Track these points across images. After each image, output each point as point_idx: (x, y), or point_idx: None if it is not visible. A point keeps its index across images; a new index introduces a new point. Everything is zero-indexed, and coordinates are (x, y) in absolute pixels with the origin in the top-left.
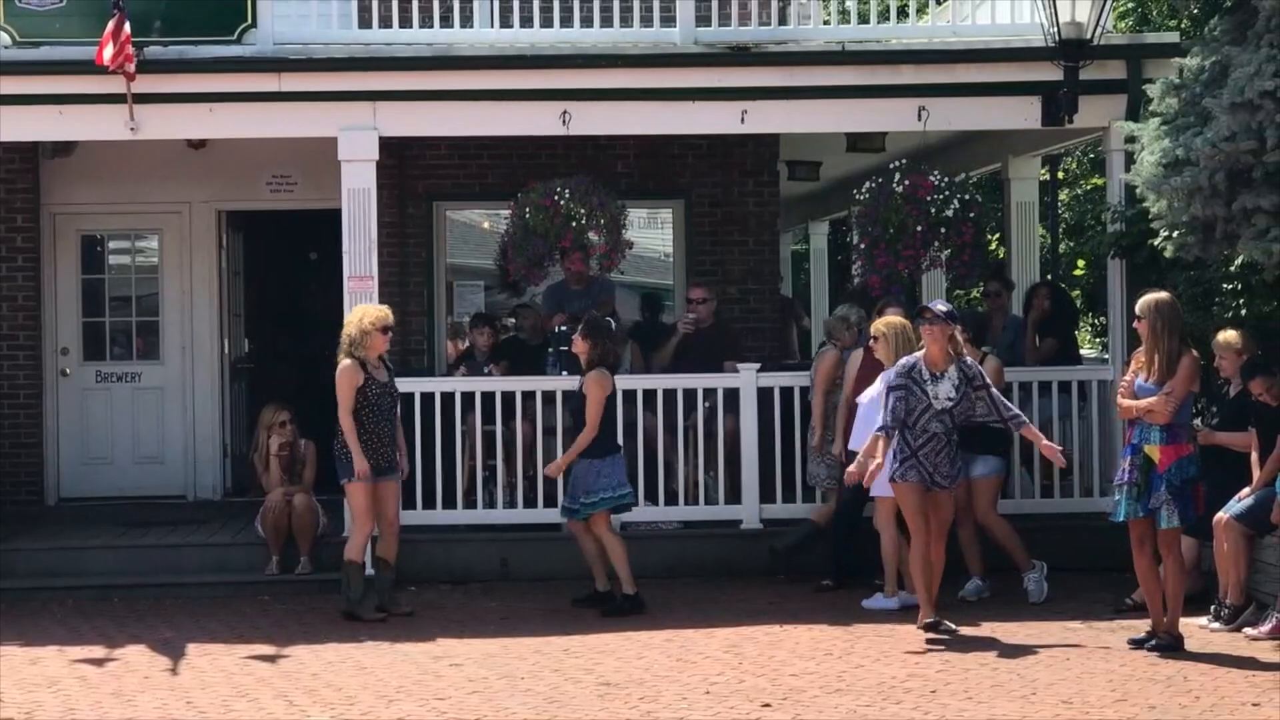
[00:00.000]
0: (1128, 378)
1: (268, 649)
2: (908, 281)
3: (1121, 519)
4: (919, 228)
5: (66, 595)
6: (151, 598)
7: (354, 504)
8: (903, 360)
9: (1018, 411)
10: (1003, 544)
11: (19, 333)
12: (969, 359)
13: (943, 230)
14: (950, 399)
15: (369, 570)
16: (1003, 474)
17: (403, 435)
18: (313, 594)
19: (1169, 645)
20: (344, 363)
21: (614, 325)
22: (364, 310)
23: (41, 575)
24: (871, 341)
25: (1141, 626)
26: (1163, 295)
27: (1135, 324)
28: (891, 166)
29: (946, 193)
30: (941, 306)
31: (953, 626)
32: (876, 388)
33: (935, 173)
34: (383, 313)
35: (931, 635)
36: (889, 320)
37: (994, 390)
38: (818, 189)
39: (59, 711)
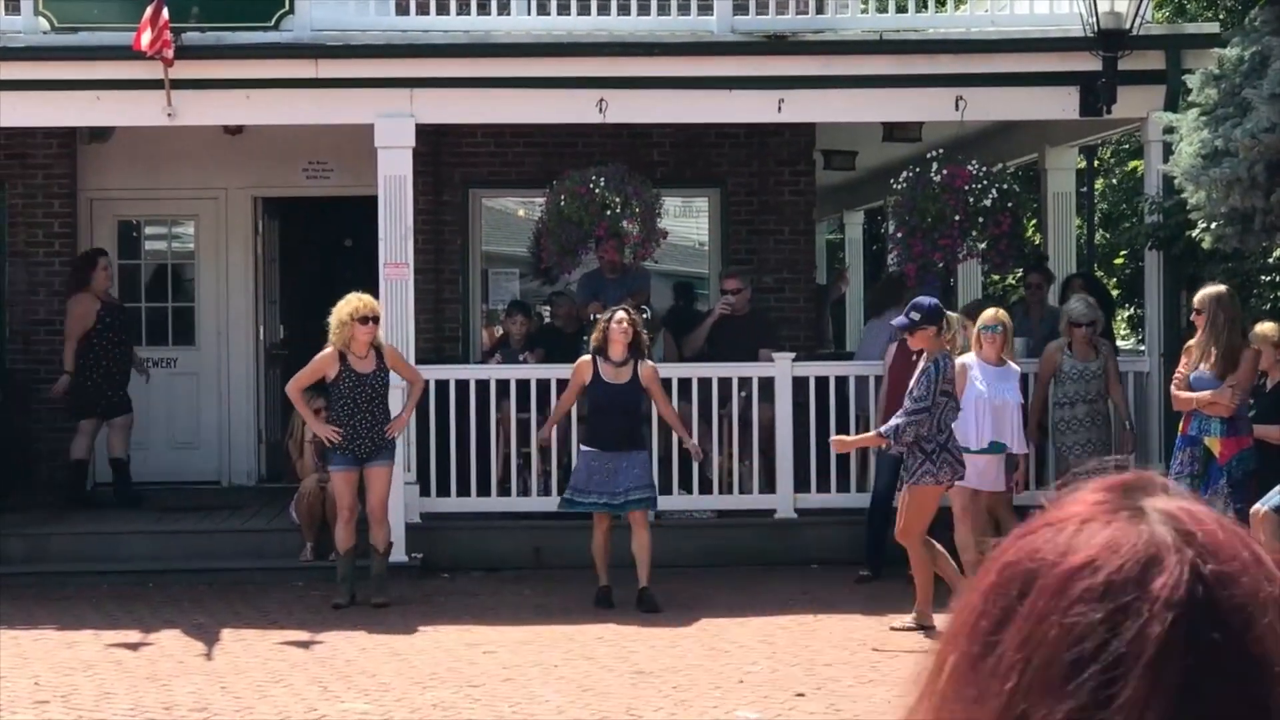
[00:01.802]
0: (1182, 369)
1: (302, 635)
2: (942, 271)
3: None
4: (956, 217)
5: (102, 580)
6: (186, 583)
7: (334, 490)
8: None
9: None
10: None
11: (56, 319)
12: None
13: (980, 220)
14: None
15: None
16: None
17: (403, 420)
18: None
19: None
20: (325, 350)
21: (648, 314)
22: (347, 300)
23: (77, 560)
24: (989, 334)
25: None
26: (1222, 288)
27: (1193, 317)
28: (929, 156)
29: (985, 182)
30: (915, 313)
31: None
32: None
33: (973, 162)
34: (362, 304)
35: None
36: (1003, 313)
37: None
38: (854, 178)
39: (94, 696)
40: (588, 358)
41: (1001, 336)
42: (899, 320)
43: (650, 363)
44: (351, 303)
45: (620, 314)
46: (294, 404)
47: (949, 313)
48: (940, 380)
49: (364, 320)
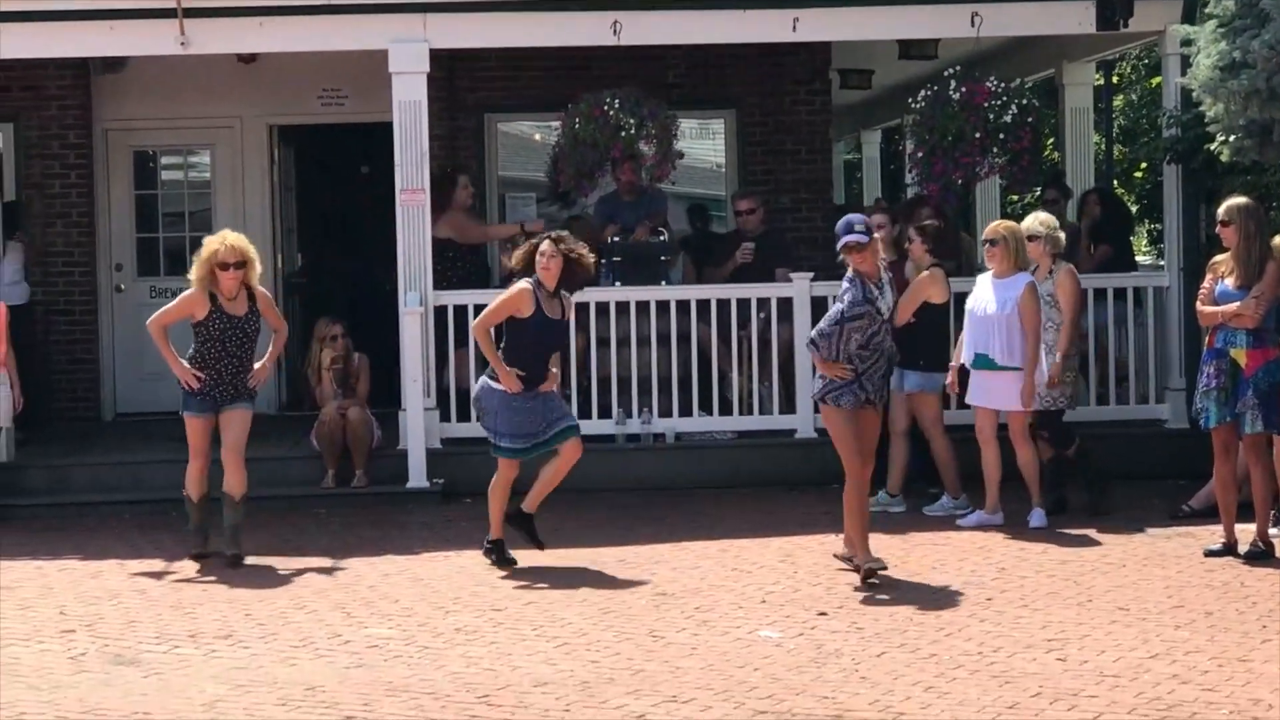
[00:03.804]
0: (1207, 284)
1: (324, 561)
2: (961, 189)
3: (1214, 424)
4: (976, 134)
5: (124, 510)
6: (208, 511)
7: (187, 436)
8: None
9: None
10: (943, 465)
11: (74, 249)
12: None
13: (1000, 136)
14: (889, 307)
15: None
16: (935, 390)
17: (265, 369)
18: (368, 507)
19: (1260, 554)
20: (190, 290)
21: (666, 236)
22: (209, 241)
23: (100, 490)
24: (987, 247)
25: (1200, 534)
26: (1247, 199)
27: (1218, 229)
28: (947, 73)
29: (1004, 99)
30: (860, 227)
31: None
32: (983, 298)
33: (992, 78)
34: (224, 247)
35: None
36: (1008, 224)
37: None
38: (870, 97)
39: (119, 624)
40: (528, 285)
41: (1000, 249)
42: (851, 237)
43: (569, 295)
44: (212, 245)
45: (546, 244)
46: (155, 341)
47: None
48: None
49: (223, 267)
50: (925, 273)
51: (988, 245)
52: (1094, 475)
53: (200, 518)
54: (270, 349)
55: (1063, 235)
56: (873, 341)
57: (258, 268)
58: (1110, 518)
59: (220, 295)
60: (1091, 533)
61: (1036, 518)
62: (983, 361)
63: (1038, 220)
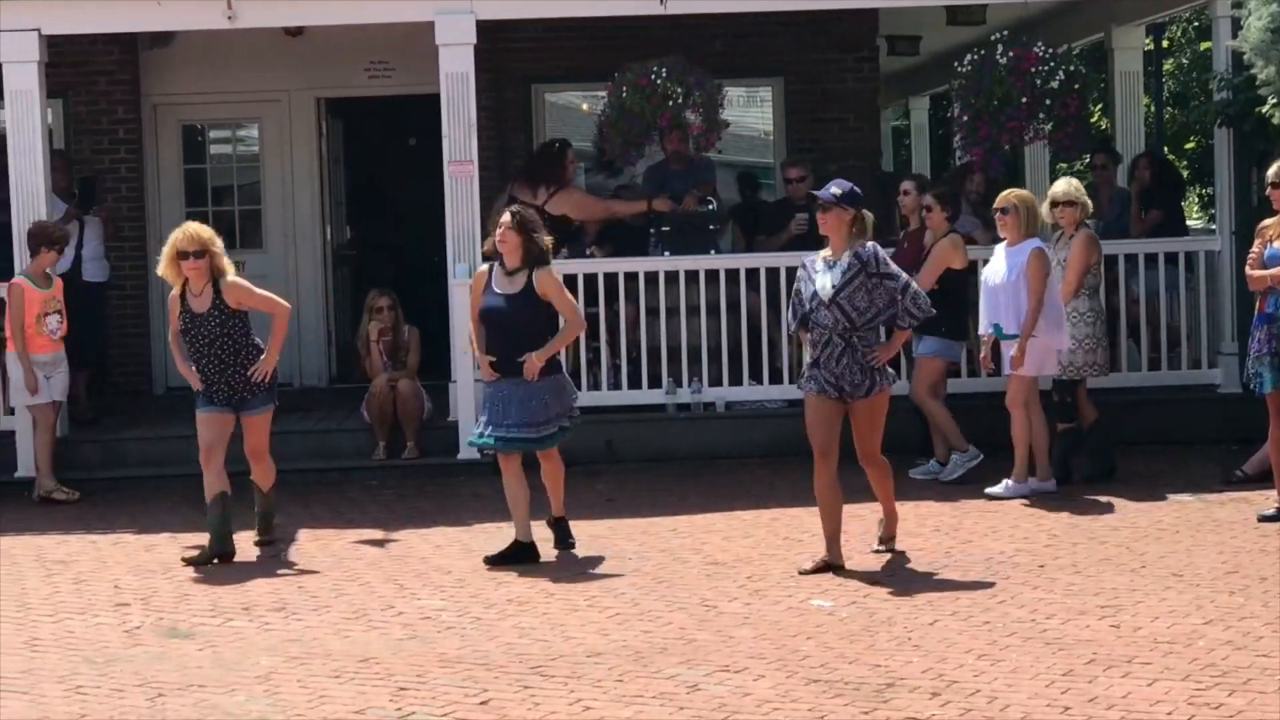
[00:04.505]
0: (1256, 248)
1: (376, 533)
2: (1008, 155)
3: (1268, 390)
4: (1024, 100)
5: (177, 483)
6: (222, 516)
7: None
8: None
9: (914, 310)
10: (940, 427)
11: (123, 224)
12: (868, 244)
13: (1047, 102)
14: (834, 286)
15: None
16: (948, 357)
17: (269, 360)
18: (419, 478)
19: None
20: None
21: (715, 205)
22: (176, 230)
23: (152, 464)
24: (999, 215)
25: (1254, 499)
26: None
27: (1269, 192)
28: (994, 38)
29: (1051, 64)
30: (836, 189)
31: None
32: (996, 267)
33: (1040, 44)
34: (183, 235)
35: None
36: (1019, 192)
37: (904, 278)
38: (917, 64)
39: (173, 597)
40: (484, 268)
41: (1012, 218)
42: (822, 192)
43: (550, 269)
44: (173, 236)
45: (506, 215)
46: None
47: (866, 213)
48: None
49: (183, 255)
50: (944, 239)
51: (999, 214)
52: (1100, 443)
53: (211, 520)
54: (272, 337)
55: (1089, 202)
56: (812, 321)
57: (223, 259)
58: (1165, 483)
59: (189, 292)
60: (1144, 499)
61: (1003, 487)
62: (997, 330)
63: (1071, 185)
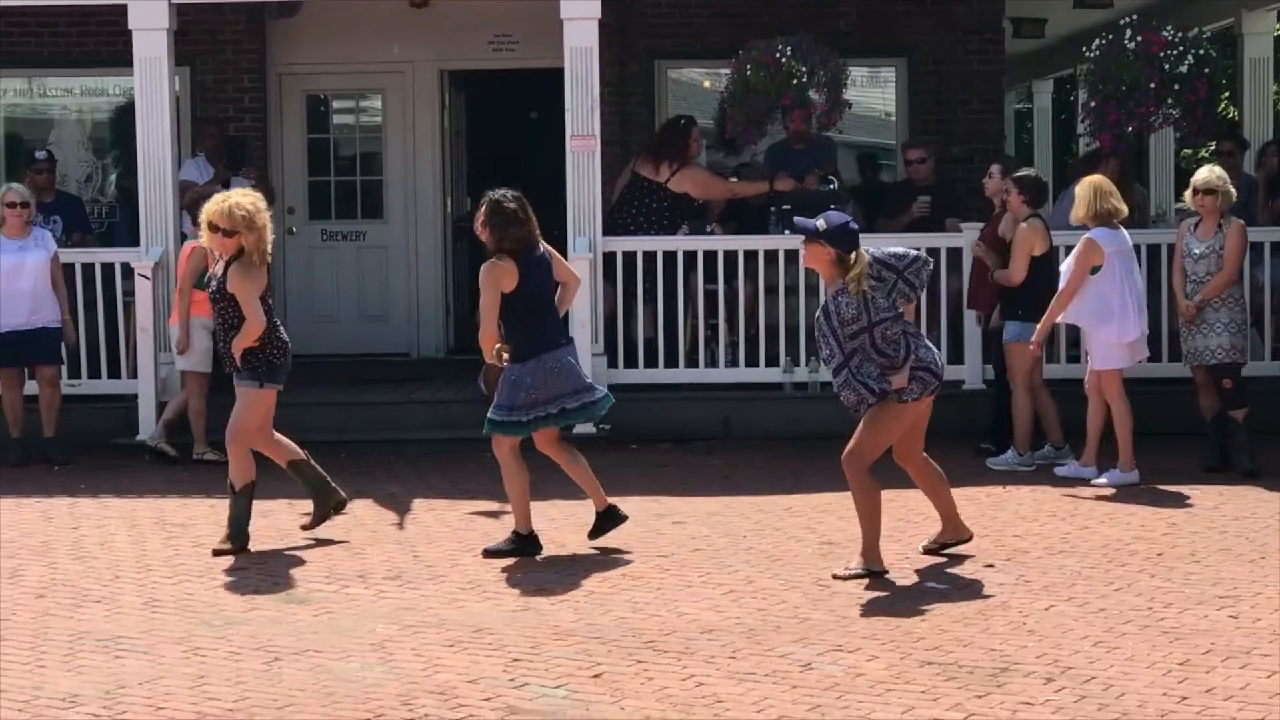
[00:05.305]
0: None
1: (491, 505)
2: (1134, 140)
3: None
4: (1151, 84)
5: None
6: (377, 454)
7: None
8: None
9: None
10: (1019, 417)
11: None
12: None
13: (1176, 87)
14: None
15: None
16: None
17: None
18: (535, 451)
19: None
20: None
21: (836, 185)
22: (213, 201)
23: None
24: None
25: None
26: None
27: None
28: (1123, 22)
29: (1180, 49)
30: (820, 223)
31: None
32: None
33: (1169, 28)
34: (217, 209)
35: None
36: (1090, 178)
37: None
38: (1043, 46)
39: (289, 562)
40: (510, 264)
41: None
42: (806, 223)
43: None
44: (207, 207)
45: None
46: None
47: (864, 251)
48: (838, 331)
49: (213, 229)
50: (1025, 224)
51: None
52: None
53: (236, 512)
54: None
55: (1234, 191)
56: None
57: (256, 241)
58: None
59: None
60: (1263, 490)
61: (1069, 468)
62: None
63: (1213, 173)
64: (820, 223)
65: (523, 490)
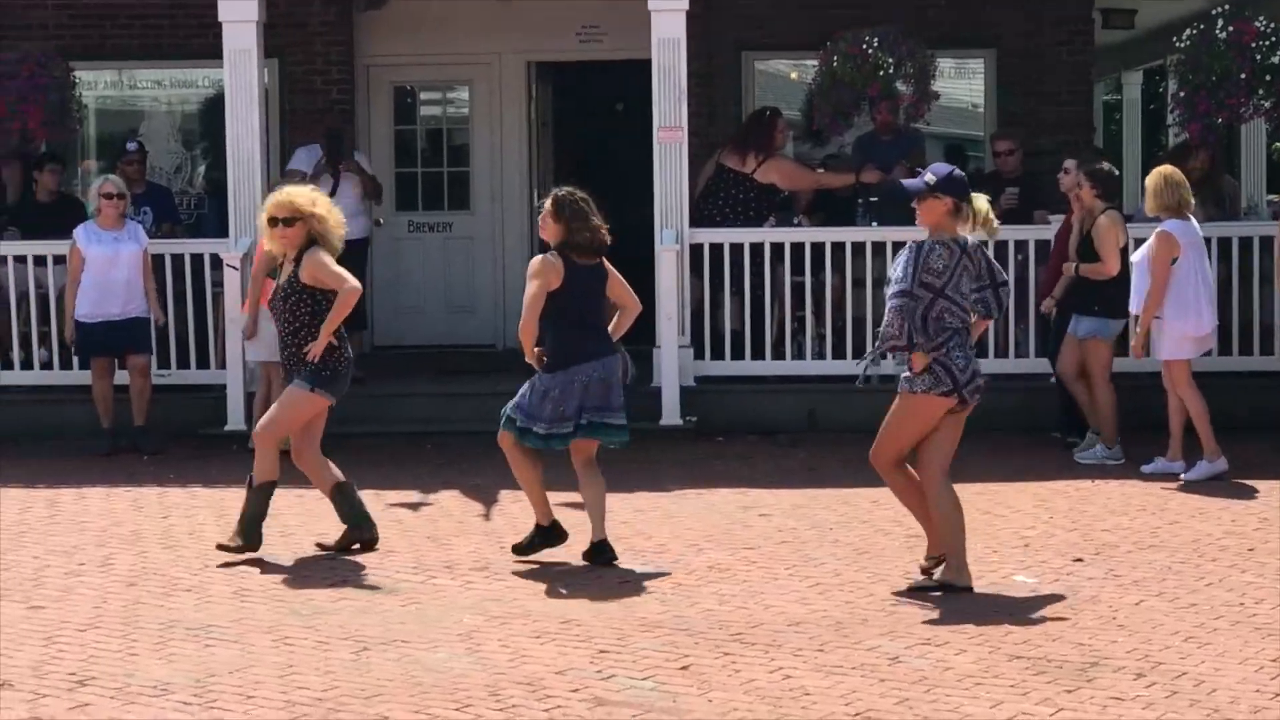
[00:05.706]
0: None
1: (575, 497)
2: (1223, 131)
3: None
4: (1242, 75)
5: (380, 441)
6: (463, 445)
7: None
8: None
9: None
10: (1102, 413)
11: None
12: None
13: (1267, 79)
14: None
15: None
16: (1105, 335)
17: (320, 343)
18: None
19: None
20: None
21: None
22: (270, 197)
23: (355, 421)
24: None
25: None
26: None
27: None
28: (1214, 12)
29: (1272, 39)
30: (930, 177)
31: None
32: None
33: (1261, 18)
34: (272, 203)
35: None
36: (1162, 169)
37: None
38: (1132, 38)
39: (378, 554)
40: (560, 262)
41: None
42: (913, 182)
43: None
44: (266, 202)
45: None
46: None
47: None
48: (919, 268)
49: (271, 222)
50: (1103, 217)
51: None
52: None
53: (251, 508)
54: (331, 314)
55: None
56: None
57: (325, 225)
58: None
59: (286, 260)
60: None
61: (1154, 465)
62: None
63: None
64: (929, 176)
65: (533, 481)
